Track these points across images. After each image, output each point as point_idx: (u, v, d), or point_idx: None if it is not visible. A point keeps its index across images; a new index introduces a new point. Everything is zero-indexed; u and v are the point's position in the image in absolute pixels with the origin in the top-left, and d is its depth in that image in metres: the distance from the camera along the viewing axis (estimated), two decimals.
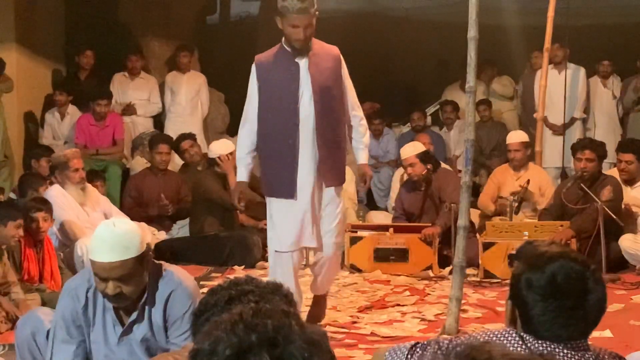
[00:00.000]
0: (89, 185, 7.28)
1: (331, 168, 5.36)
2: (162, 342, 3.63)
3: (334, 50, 5.41)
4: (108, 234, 3.43)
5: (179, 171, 9.27)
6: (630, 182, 7.74)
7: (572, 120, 9.72)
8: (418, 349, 2.39)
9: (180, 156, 9.13)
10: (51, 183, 7.34)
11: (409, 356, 2.38)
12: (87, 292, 3.61)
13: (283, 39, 5.33)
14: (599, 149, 7.50)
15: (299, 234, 5.29)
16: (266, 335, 1.53)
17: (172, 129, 9.92)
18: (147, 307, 3.58)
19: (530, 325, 2.30)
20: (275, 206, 5.35)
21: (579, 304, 2.26)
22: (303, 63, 5.29)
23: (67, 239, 6.83)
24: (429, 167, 7.83)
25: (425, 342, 2.41)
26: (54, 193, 6.93)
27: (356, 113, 5.52)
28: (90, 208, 7.10)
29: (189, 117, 10.13)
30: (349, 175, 8.98)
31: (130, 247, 3.42)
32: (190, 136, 9.15)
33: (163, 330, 3.61)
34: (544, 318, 2.26)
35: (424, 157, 7.88)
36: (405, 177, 8.31)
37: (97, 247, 3.44)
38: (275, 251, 5.35)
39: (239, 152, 5.49)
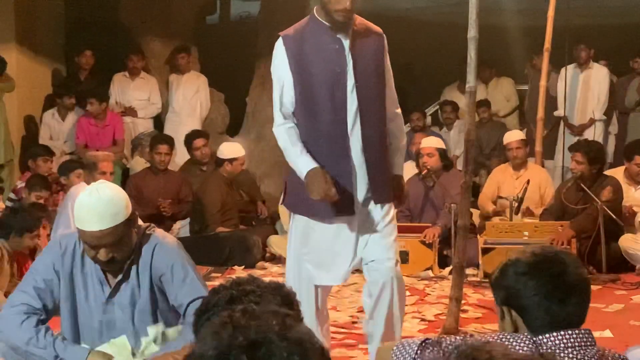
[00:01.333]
0: None
1: (381, 180, 4.24)
2: (147, 305, 3.51)
3: (378, 29, 4.30)
4: (94, 201, 3.33)
5: (182, 167, 9.32)
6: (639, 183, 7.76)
7: (592, 121, 9.64)
8: (429, 345, 2.38)
9: (190, 152, 9.14)
10: (59, 184, 7.37)
11: (419, 351, 2.38)
12: (75, 245, 3.51)
13: (315, 9, 4.20)
14: (591, 153, 7.45)
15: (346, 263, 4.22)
16: (248, 338, 1.54)
17: (170, 129, 9.95)
18: (133, 267, 3.50)
19: (530, 316, 2.36)
20: (319, 229, 4.20)
21: (562, 270, 2.37)
22: (346, 42, 4.15)
23: None
24: (428, 167, 7.86)
25: (436, 339, 2.40)
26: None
27: (395, 110, 4.40)
28: None
29: (185, 118, 10.13)
30: None
31: (119, 212, 3.34)
32: (204, 134, 9.21)
33: (149, 291, 3.50)
34: (537, 298, 2.35)
35: (442, 153, 7.97)
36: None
37: (85, 215, 3.33)
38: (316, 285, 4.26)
39: (295, 146, 4.11)
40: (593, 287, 7.03)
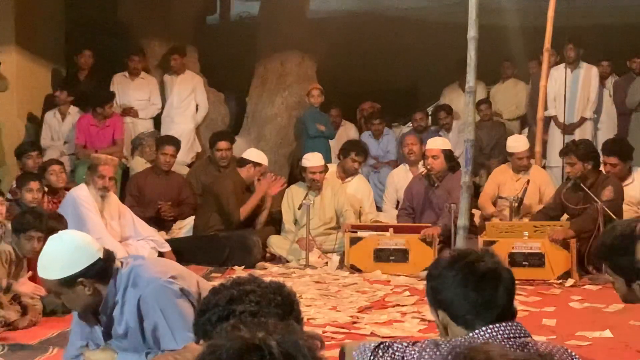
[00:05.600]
0: (112, 195, 7.24)
1: None
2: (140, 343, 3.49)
3: None
4: (47, 247, 3.41)
5: (198, 163, 9.40)
6: None
7: (582, 120, 9.69)
8: (380, 351, 2.43)
9: (212, 152, 9.15)
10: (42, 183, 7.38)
11: (372, 357, 2.43)
12: None
13: None
14: (579, 150, 7.45)
15: None
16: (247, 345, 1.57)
17: (165, 129, 9.98)
18: (112, 317, 3.47)
19: (454, 308, 2.41)
20: None
21: (476, 259, 2.44)
22: None
23: None
24: (429, 167, 7.86)
25: (388, 343, 2.45)
26: (82, 193, 6.92)
27: None
28: (108, 217, 7.08)
29: (180, 118, 10.14)
30: (363, 182, 8.94)
31: (50, 269, 3.34)
32: (230, 138, 9.25)
33: (139, 330, 3.46)
34: (454, 287, 2.41)
35: (448, 154, 7.90)
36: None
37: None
38: None
39: None
40: (593, 287, 7.05)
